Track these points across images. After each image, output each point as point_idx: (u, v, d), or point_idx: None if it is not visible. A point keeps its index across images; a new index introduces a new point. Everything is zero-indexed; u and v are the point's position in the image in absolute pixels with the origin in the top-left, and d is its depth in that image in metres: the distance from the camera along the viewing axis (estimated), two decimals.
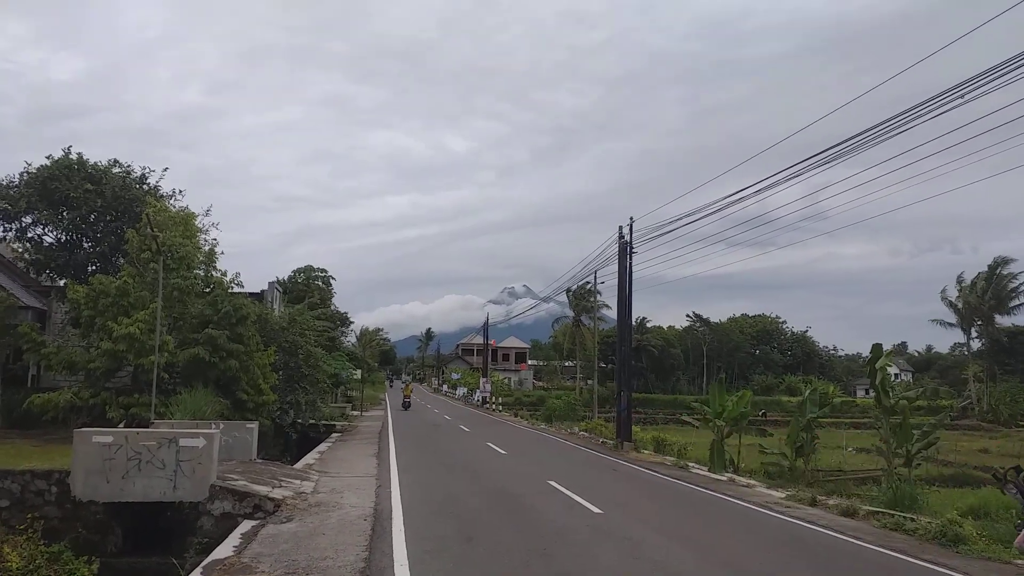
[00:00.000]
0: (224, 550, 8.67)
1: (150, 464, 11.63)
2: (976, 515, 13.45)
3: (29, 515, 11.30)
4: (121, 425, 16.78)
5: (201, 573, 7.60)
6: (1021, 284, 67.46)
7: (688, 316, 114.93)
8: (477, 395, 63.84)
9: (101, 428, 13.63)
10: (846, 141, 16.11)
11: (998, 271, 68.30)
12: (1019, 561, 9.65)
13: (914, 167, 16.57)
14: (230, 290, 23.75)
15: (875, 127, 15.17)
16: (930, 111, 13.56)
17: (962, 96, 12.47)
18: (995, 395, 66.39)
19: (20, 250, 27.88)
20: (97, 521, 11.79)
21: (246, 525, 10.31)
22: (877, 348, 19.66)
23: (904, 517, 11.97)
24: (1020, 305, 68.25)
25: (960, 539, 10.44)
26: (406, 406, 48.87)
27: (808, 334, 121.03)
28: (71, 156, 25.67)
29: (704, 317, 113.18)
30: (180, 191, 27.78)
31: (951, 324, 73.33)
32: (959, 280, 71.11)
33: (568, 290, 68.19)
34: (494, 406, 57.47)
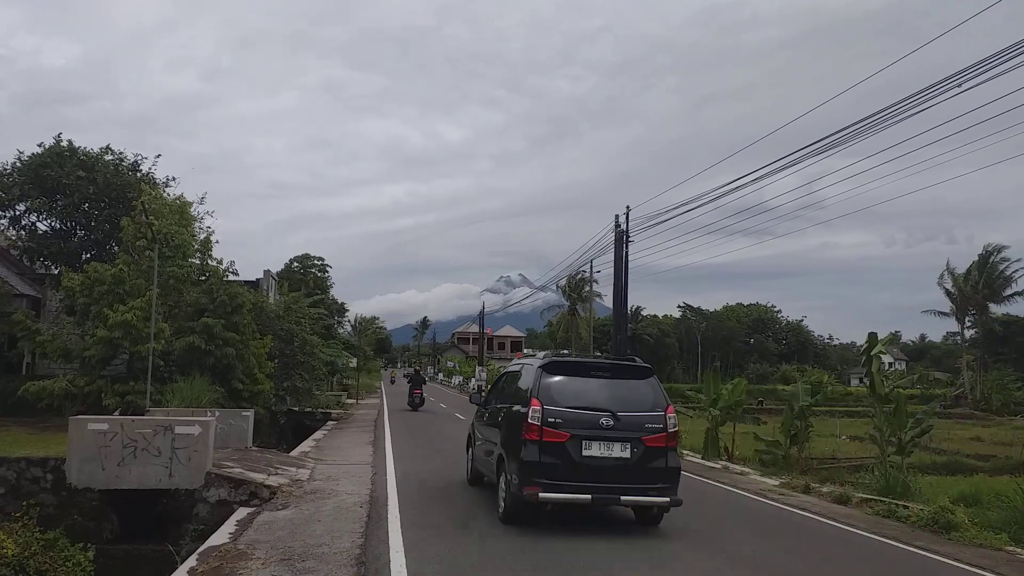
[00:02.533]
0: (220, 537, 8.69)
1: (145, 451, 11.64)
2: (968, 502, 13.56)
3: (24, 502, 11.31)
4: (117, 413, 16.77)
5: (197, 559, 7.61)
6: (1014, 271, 67.69)
7: (679, 307, 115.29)
8: (472, 383, 63.91)
9: (97, 415, 13.64)
10: (842, 130, 16.13)
11: (991, 260, 68.48)
12: (1010, 548, 9.74)
13: (910, 156, 16.61)
14: (225, 278, 23.70)
15: (871, 116, 15.18)
16: (926, 100, 13.57)
17: (959, 85, 12.47)
18: (987, 384, 66.70)
19: (14, 238, 27.74)
20: (93, 508, 11.81)
21: (242, 512, 10.33)
22: (872, 336, 19.74)
23: (897, 504, 12.06)
24: (1014, 294, 68.51)
25: (952, 526, 10.52)
26: (392, 382, 75.08)
27: (803, 323, 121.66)
28: (62, 143, 25.51)
29: (696, 307, 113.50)
30: (174, 178, 27.64)
31: (945, 313, 73.62)
32: (949, 269, 71.35)
33: (556, 284, 67.76)
34: None
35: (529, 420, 9.26)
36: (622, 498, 9.26)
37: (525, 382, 10.25)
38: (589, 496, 9.08)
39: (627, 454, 9.24)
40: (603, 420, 9.23)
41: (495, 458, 10.56)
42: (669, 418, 9.52)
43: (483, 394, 13.44)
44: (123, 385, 19.02)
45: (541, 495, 9.03)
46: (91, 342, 19.25)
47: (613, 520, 10.29)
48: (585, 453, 9.16)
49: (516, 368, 11.77)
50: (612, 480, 9.20)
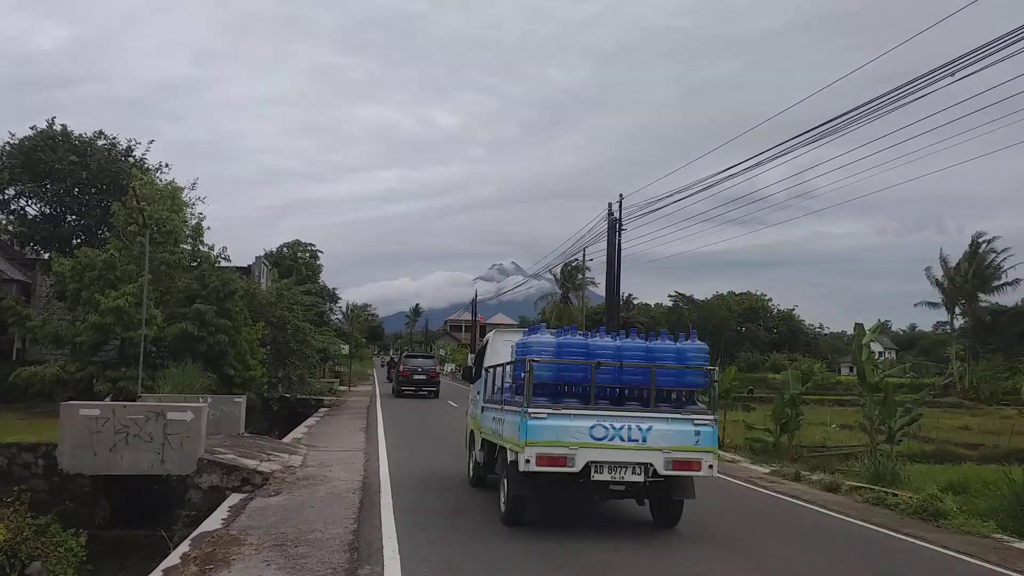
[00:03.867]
0: (212, 523, 8.71)
1: (137, 437, 11.63)
2: (956, 490, 13.66)
3: (16, 488, 11.25)
4: (108, 399, 16.72)
5: (190, 545, 7.63)
6: (1002, 261, 67.89)
7: (671, 296, 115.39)
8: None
9: (88, 401, 13.60)
10: (835, 119, 16.12)
11: (980, 249, 68.63)
12: (997, 535, 9.83)
13: (903, 146, 16.62)
14: (217, 264, 23.61)
15: (864, 105, 15.17)
16: (919, 89, 13.57)
17: (952, 74, 12.47)
18: (976, 373, 67.06)
19: (4, 222, 27.54)
20: (85, 494, 11.79)
21: (234, 498, 10.34)
22: (859, 327, 19.79)
23: (886, 492, 12.15)
24: (1003, 284, 68.76)
25: (940, 514, 10.61)
26: (383, 366, 76.58)
27: (794, 312, 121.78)
28: (55, 127, 25.31)
29: (687, 295, 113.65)
30: (166, 164, 27.52)
31: (936, 304, 73.85)
32: (942, 259, 71.47)
33: (550, 270, 67.53)
34: None
35: (399, 369, 38.55)
36: (425, 388, 36.16)
37: (400, 359, 42.91)
38: (415, 388, 36.20)
39: (425, 377, 36.46)
40: (419, 368, 37.19)
41: (395, 381, 39.26)
42: (438, 368, 42.49)
43: (395, 364, 43.42)
44: (114, 371, 18.96)
45: (403, 389, 36.51)
46: (82, 328, 19.17)
47: (426, 400, 34.77)
48: (414, 377, 36.39)
49: (402, 355, 47.80)
50: (422, 385, 36.27)
